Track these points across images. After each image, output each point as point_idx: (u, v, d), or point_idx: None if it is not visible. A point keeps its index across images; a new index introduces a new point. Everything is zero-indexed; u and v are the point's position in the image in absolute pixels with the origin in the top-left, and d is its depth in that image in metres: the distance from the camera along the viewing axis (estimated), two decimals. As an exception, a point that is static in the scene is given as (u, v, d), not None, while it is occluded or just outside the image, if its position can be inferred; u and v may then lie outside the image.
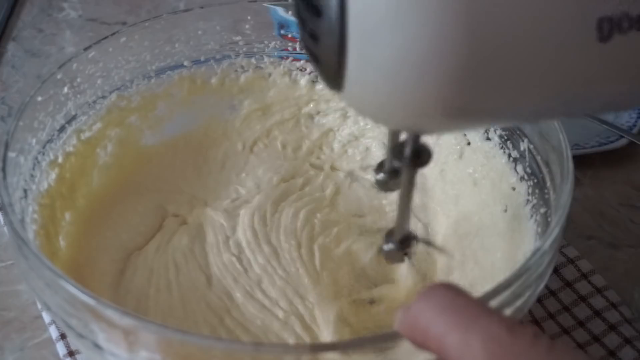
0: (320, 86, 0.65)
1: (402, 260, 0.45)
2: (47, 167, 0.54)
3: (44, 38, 0.87)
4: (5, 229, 0.63)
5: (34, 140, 0.53)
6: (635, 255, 0.63)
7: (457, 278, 0.54)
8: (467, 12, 0.32)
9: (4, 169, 0.48)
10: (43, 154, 0.54)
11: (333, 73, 0.34)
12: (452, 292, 0.34)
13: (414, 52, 0.32)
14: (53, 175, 0.55)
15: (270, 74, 0.65)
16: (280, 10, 0.65)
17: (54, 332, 0.56)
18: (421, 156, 0.41)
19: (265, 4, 0.64)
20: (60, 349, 0.55)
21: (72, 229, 0.56)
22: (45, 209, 0.53)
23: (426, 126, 0.37)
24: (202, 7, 0.62)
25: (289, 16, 0.65)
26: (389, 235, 0.44)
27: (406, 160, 0.41)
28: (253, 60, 0.64)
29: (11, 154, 0.50)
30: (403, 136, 0.42)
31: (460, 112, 0.35)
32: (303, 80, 0.65)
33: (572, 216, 0.59)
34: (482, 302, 0.34)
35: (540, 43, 0.34)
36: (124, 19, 0.90)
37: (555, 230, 0.45)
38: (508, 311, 0.44)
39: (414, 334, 0.34)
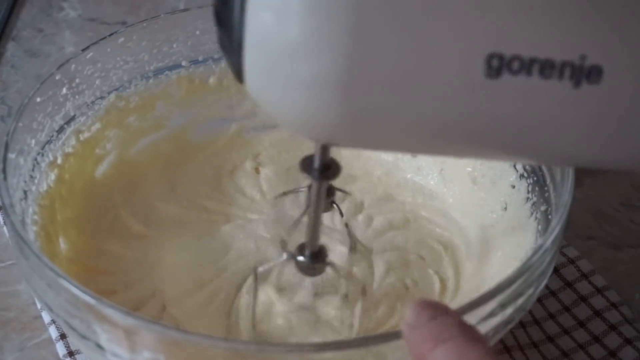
0: None
1: (314, 274, 0.46)
2: (46, 168, 0.54)
3: (43, 38, 0.87)
4: (4, 229, 0.63)
5: (33, 142, 0.53)
6: (636, 255, 0.63)
7: (456, 277, 0.54)
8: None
9: (4, 170, 0.48)
10: (42, 155, 0.54)
11: (235, 69, 0.36)
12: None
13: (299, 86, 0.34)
14: (52, 177, 0.55)
15: None
16: None
17: (53, 332, 0.56)
18: (330, 169, 0.42)
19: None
20: (60, 349, 0.55)
21: (72, 230, 0.55)
22: (45, 210, 0.53)
23: (326, 135, 0.37)
24: (200, 7, 0.62)
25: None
26: (301, 249, 0.45)
27: (315, 173, 0.42)
28: None
29: (11, 155, 0.49)
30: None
31: (346, 138, 0.36)
32: None
33: (572, 216, 0.58)
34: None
35: (426, 70, 0.33)
36: (124, 19, 0.90)
37: (556, 228, 0.45)
38: (509, 310, 0.44)
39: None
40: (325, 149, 0.41)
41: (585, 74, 0.33)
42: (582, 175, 0.68)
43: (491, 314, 0.42)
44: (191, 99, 0.63)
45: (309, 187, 0.44)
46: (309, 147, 0.64)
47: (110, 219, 0.58)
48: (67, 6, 0.92)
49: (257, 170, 0.63)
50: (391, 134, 0.36)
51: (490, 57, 0.33)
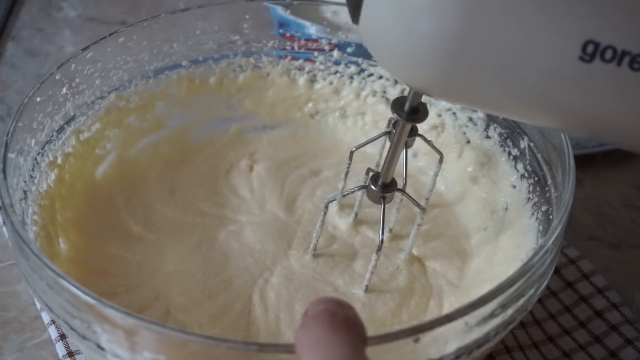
0: (319, 85, 0.65)
1: (379, 202, 0.51)
2: (46, 168, 0.54)
3: (43, 37, 0.87)
4: (4, 229, 0.63)
5: (33, 141, 0.53)
6: (636, 255, 0.63)
7: (458, 278, 0.54)
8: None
9: (4, 170, 0.48)
10: (42, 155, 0.54)
11: (353, 9, 0.41)
12: (338, 339, 0.34)
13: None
14: (52, 176, 0.55)
15: (268, 74, 0.65)
16: (280, 9, 0.64)
17: (53, 333, 0.56)
18: (418, 112, 0.47)
19: (265, 3, 0.64)
20: (60, 349, 0.55)
21: (73, 231, 0.55)
22: (45, 210, 0.53)
23: (422, 86, 0.41)
24: (200, 7, 0.62)
25: (289, 15, 0.65)
26: (374, 178, 0.51)
27: (404, 114, 0.47)
28: (251, 59, 0.64)
29: (10, 155, 0.49)
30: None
31: (451, 85, 0.40)
32: (301, 80, 0.65)
33: (573, 216, 0.60)
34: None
35: (527, 46, 0.37)
36: (123, 19, 0.90)
37: (558, 228, 0.45)
38: (510, 311, 0.44)
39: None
40: (417, 94, 0.46)
41: None
42: (583, 175, 0.68)
43: (492, 315, 0.42)
44: (191, 99, 0.63)
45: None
46: (306, 144, 0.64)
47: (111, 220, 0.58)
48: (66, 6, 0.92)
49: (251, 168, 0.63)
50: (483, 96, 0.40)
51: (587, 43, 0.37)
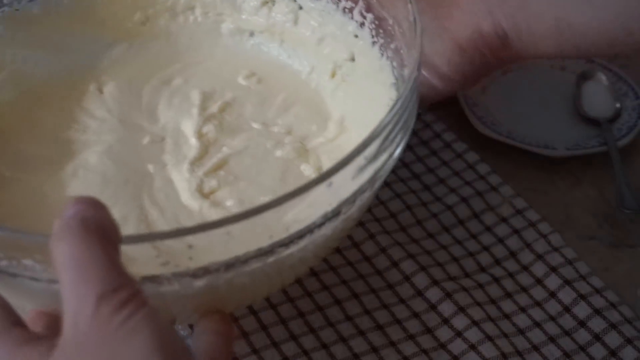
0: None
1: None
2: None
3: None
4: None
5: None
6: (635, 255, 0.61)
7: (326, 133, 0.57)
8: None
9: None
10: None
11: None
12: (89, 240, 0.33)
13: None
14: None
15: None
16: None
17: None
18: None
19: None
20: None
21: None
22: None
23: None
24: None
25: None
26: None
27: None
28: None
29: None
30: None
31: None
32: None
33: (572, 216, 0.62)
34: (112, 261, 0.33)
35: None
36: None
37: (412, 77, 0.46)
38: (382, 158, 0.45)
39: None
40: None
41: None
42: (583, 175, 0.66)
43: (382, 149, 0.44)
44: (20, 36, 0.62)
45: None
46: (145, 55, 0.63)
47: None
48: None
49: (100, 91, 0.62)
50: None
51: None
